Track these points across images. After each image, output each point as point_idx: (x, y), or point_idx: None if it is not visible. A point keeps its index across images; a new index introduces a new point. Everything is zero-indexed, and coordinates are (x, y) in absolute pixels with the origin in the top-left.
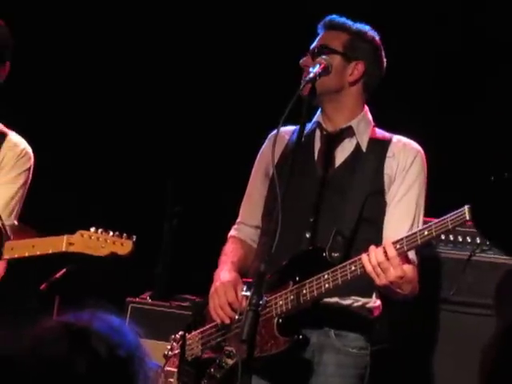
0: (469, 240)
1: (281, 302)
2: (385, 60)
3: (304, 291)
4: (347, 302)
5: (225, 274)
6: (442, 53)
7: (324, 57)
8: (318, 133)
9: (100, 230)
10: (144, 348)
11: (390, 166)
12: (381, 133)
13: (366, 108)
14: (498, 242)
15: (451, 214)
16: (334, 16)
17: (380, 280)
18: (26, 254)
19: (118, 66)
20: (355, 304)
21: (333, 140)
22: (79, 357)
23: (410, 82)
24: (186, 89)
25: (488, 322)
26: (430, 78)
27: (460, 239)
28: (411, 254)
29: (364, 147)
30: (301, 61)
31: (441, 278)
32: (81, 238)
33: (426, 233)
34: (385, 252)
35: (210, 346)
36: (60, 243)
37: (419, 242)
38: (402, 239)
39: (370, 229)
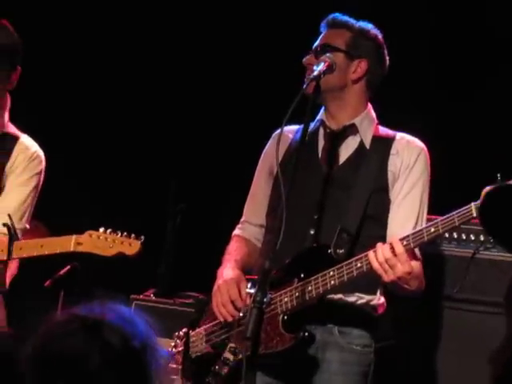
0: (472, 238)
1: (286, 299)
2: (387, 58)
3: (309, 288)
4: (351, 299)
5: (228, 271)
6: (445, 50)
7: (328, 55)
8: (321, 131)
9: (109, 231)
10: (155, 336)
11: (394, 163)
12: (384, 130)
13: (370, 106)
14: (502, 240)
15: (458, 211)
16: (336, 14)
17: (388, 276)
18: (35, 254)
19: (122, 67)
20: (359, 301)
21: (336, 138)
22: (94, 349)
23: (412, 79)
24: (189, 89)
25: (491, 319)
26: (434, 76)
27: (464, 237)
28: (416, 251)
29: (368, 145)
30: (304, 59)
31: (444, 276)
32: (89, 238)
33: (432, 230)
34: (391, 248)
35: (213, 344)
36: (68, 243)
37: (426, 238)
38: (408, 236)
39: (374, 226)
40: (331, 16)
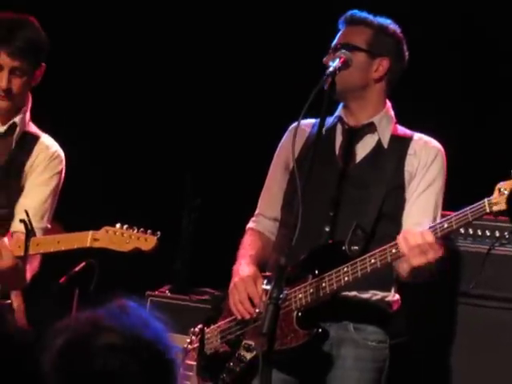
0: (488, 233)
1: (300, 296)
2: (407, 53)
3: (323, 284)
4: (366, 295)
5: (244, 268)
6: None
7: (343, 51)
8: (339, 127)
9: (125, 226)
10: (168, 332)
11: (411, 163)
12: (402, 130)
13: (389, 104)
14: None
15: (471, 206)
16: (355, 11)
17: (417, 260)
18: (52, 250)
19: (136, 62)
20: (374, 297)
21: (354, 135)
22: (133, 367)
23: (429, 78)
24: (205, 82)
25: (507, 315)
26: (451, 75)
27: (479, 233)
28: None
29: (386, 144)
30: (324, 59)
31: (460, 272)
32: (106, 234)
33: (446, 225)
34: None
35: (228, 340)
36: (85, 239)
37: (439, 234)
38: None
39: (389, 224)
40: (349, 13)
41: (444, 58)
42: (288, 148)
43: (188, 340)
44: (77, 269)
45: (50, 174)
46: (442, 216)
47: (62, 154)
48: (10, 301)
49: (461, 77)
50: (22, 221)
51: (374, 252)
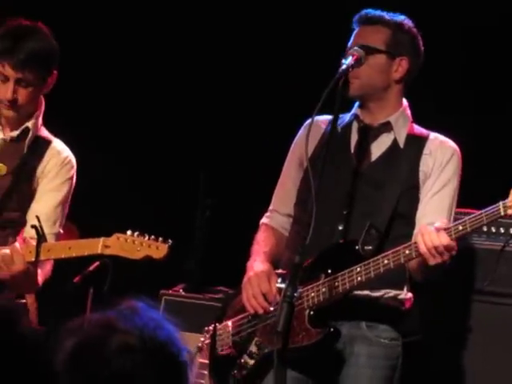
0: (502, 231)
1: (312, 294)
2: (422, 48)
3: (336, 284)
4: (378, 293)
5: (258, 264)
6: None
7: (356, 48)
8: (355, 125)
9: (136, 233)
10: (179, 333)
11: (427, 163)
12: (418, 129)
13: (406, 103)
14: None
15: (486, 209)
16: (369, 10)
17: (435, 260)
18: (63, 256)
19: (148, 62)
20: (386, 295)
21: (370, 134)
22: (149, 371)
23: (441, 78)
24: (219, 82)
25: None
26: (464, 75)
27: (493, 230)
28: None
29: (401, 143)
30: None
31: (474, 269)
32: (117, 241)
33: (460, 228)
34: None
35: (240, 337)
36: (96, 246)
37: (453, 236)
38: None
39: (403, 224)
40: (364, 12)
41: (461, 55)
42: (302, 145)
43: (202, 339)
44: (91, 268)
45: (62, 180)
46: (457, 213)
47: (74, 159)
48: (24, 300)
49: (479, 76)
50: (33, 226)
51: (387, 253)
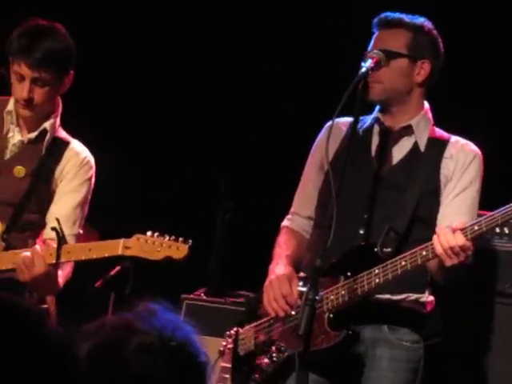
0: None
1: (332, 297)
2: (443, 50)
3: (355, 286)
4: (400, 297)
5: (280, 268)
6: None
7: (376, 51)
8: (376, 128)
9: (156, 234)
10: (197, 335)
11: (447, 166)
12: (439, 132)
13: (427, 106)
14: None
15: (500, 209)
16: (388, 13)
17: (451, 261)
18: (83, 258)
19: (169, 69)
20: (408, 299)
21: (391, 137)
22: (168, 370)
23: (466, 79)
24: (238, 88)
25: None
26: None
27: None
28: None
29: (422, 147)
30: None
31: (496, 271)
32: (137, 242)
33: (476, 228)
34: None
35: (261, 341)
36: (116, 247)
37: (469, 236)
38: None
39: (422, 227)
40: (383, 15)
41: (482, 57)
42: (323, 147)
43: (224, 343)
44: (112, 272)
45: (81, 181)
46: (479, 215)
47: (92, 160)
48: (46, 305)
49: (499, 78)
50: (53, 228)
51: (404, 254)
